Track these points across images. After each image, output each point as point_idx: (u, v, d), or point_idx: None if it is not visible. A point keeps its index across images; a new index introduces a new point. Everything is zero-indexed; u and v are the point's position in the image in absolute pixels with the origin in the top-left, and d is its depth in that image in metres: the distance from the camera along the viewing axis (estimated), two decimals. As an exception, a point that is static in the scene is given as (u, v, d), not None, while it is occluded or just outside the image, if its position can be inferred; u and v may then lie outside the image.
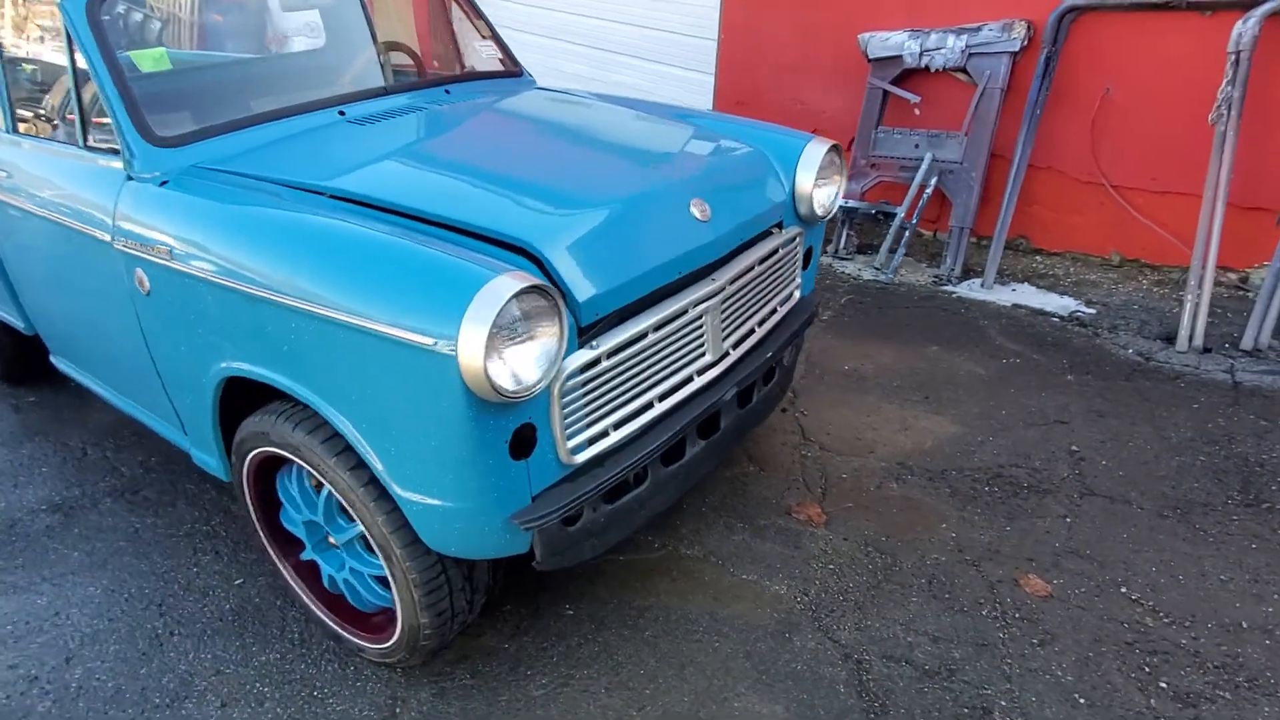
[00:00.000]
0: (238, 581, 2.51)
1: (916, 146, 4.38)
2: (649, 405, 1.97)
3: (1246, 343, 3.42)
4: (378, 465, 1.74)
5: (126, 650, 2.28)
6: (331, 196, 1.95)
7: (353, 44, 2.91)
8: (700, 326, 2.06)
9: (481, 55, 3.09)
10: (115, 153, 2.18)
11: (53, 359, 3.02)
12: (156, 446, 3.18)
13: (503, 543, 1.79)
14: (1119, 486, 2.69)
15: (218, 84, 2.59)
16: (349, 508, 1.87)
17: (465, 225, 1.80)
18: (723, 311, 2.12)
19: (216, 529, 2.74)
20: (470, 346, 1.50)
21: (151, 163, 2.12)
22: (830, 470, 2.83)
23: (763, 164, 2.37)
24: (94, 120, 2.27)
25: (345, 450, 1.83)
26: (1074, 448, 2.90)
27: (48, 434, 3.32)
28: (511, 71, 3.05)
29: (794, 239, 2.42)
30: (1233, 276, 3.84)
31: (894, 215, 4.37)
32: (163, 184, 2.06)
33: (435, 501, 1.71)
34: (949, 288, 4.16)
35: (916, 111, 4.50)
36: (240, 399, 2.12)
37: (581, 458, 1.83)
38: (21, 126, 2.57)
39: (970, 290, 4.12)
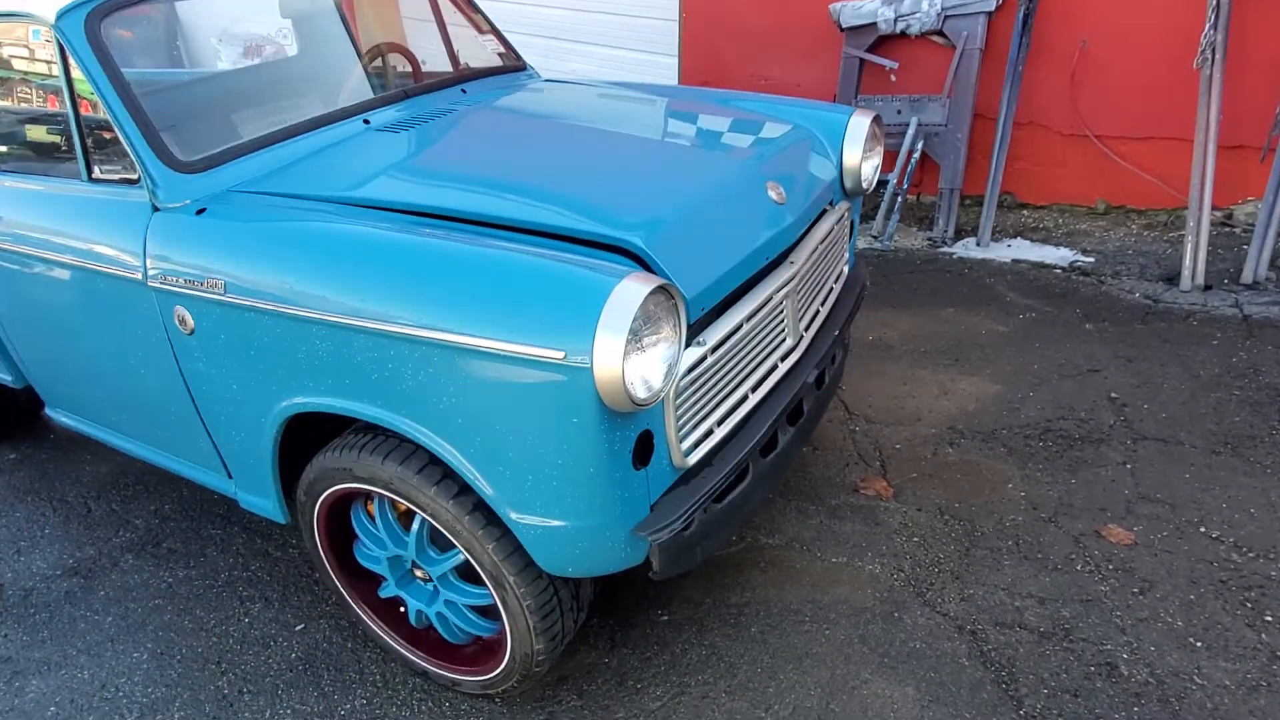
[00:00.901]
0: (298, 628, 2.36)
1: (899, 112, 4.39)
2: (744, 398, 1.91)
3: (1246, 276, 3.53)
4: (487, 491, 1.64)
5: (194, 716, 2.12)
6: (398, 210, 1.82)
7: (347, 51, 2.75)
8: (782, 312, 2.00)
9: (483, 51, 2.96)
10: (131, 183, 2.00)
11: (49, 412, 2.79)
12: (167, 494, 2.98)
13: (623, 557, 1.70)
14: (1166, 428, 2.75)
15: (220, 100, 2.40)
16: (452, 537, 1.76)
17: (555, 229, 1.70)
18: (798, 294, 2.07)
19: (258, 574, 2.58)
20: (606, 356, 1.41)
21: (178, 190, 1.94)
22: (883, 442, 2.82)
23: (812, 141, 2.32)
24: (95, 150, 2.08)
25: (445, 478, 1.72)
26: (1113, 394, 2.94)
27: (39, 493, 3.08)
28: (517, 65, 2.92)
29: (844, 214, 2.38)
30: (1218, 214, 3.96)
31: (886, 183, 4.38)
32: (200, 212, 1.89)
33: (557, 523, 1.62)
34: (946, 249, 4.19)
35: (893, 78, 4.51)
36: (294, 436, 1.99)
37: (693, 458, 1.76)
38: (3, 165, 2.35)
39: (967, 250, 4.16)
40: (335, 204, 1.87)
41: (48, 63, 2.15)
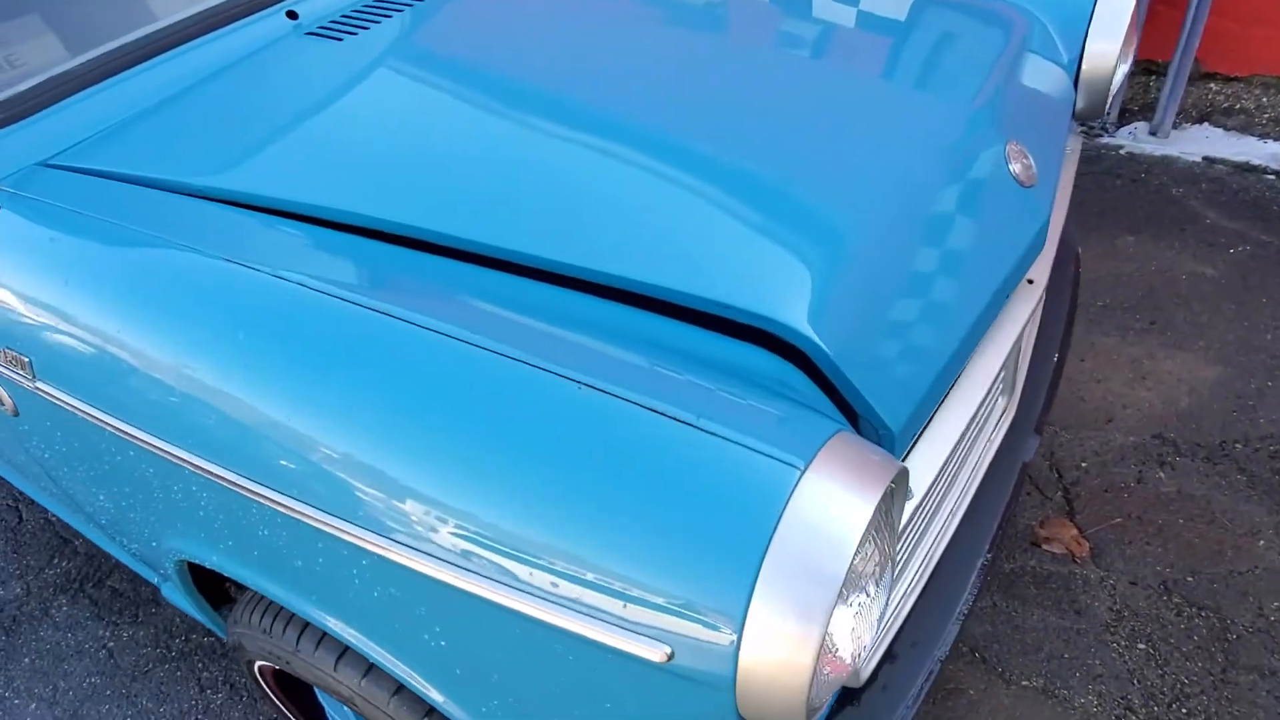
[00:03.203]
0: (271, 741, 1.75)
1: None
2: (938, 533, 1.13)
3: None
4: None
5: None
6: (370, 233, 0.98)
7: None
8: (1014, 358, 1.18)
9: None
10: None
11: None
12: (114, 503, 2.33)
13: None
14: None
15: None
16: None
17: (659, 292, 0.86)
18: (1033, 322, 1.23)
19: (220, 640, 1.94)
20: (770, 663, 0.63)
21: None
22: (1063, 458, 2.03)
23: (1042, 38, 1.38)
24: None
25: (430, 714, 0.99)
26: (1390, 386, 2.09)
27: (-37, 489, 2.45)
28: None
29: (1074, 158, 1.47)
30: None
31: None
32: (-11, 212, 1.07)
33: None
34: (1109, 140, 3.18)
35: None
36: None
37: (869, 668, 1.01)
38: None
39: (1139, 141, 3.15)
40: (257, 209, 1.03)
41: None
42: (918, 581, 1.07)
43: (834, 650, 0.68)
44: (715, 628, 0.63)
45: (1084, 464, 2.02)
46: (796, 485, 0.64)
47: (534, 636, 0.72)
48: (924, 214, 0.95)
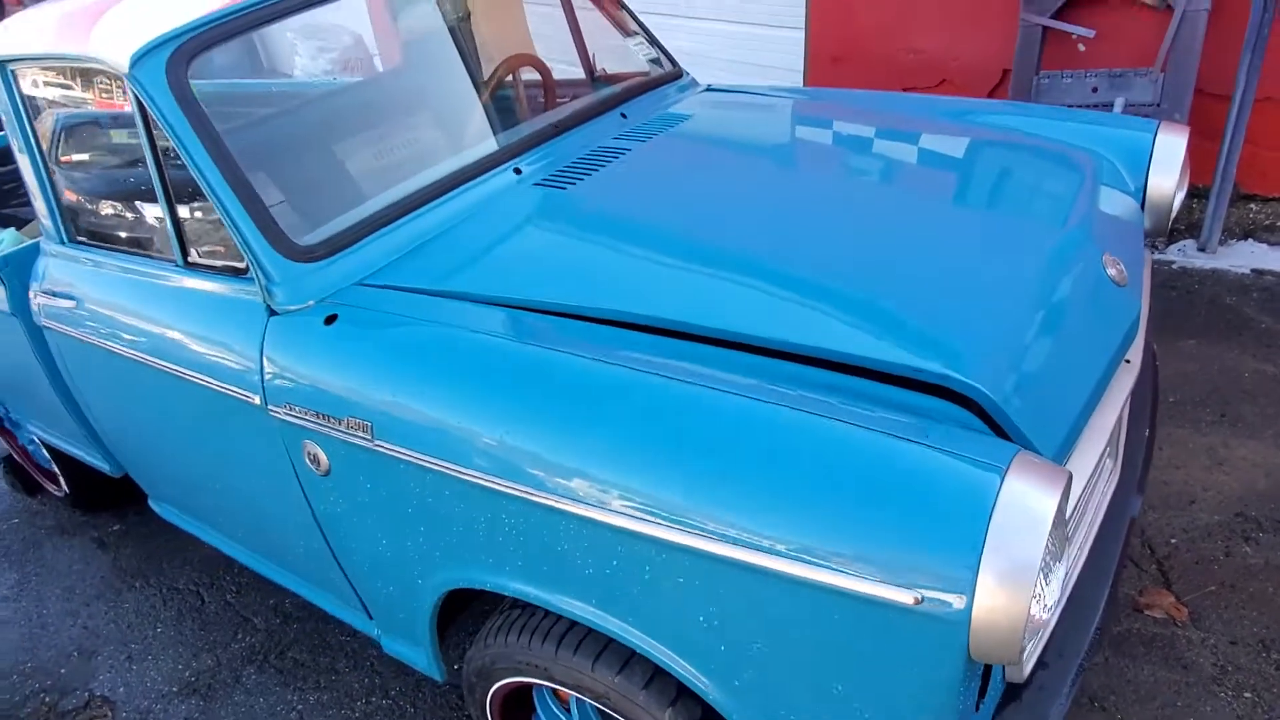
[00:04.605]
0: (455, 788, 1.95)
1: (1095, 90, 3.68)
2: (1076, 555, 1.37)
3: None
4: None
5: None
6: (600, 321, 1.32)
7: (462, 68, 2.26)
8: (1118, 425, 1.45)
9: (632, 57, 2.43)
10: (237, 273, 1.56)
11: (153, 505, 2.44)
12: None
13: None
14: None
15: (323, 140, 1.94)
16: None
17: (840, 357, 1.18)
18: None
19: (400, 703, 2.18)
20: (996, 598, 0.90)
21: (299, 287, 1.50)
22: (1153, 535, 2.23)
23: (1110, 172, 1.73)
24: (190, 227, 1.65)
25: (681, 696, 1.24)
26: None
27: (147, 577, 2.76)
28: (674, 74, 2.38)
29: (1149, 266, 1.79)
30: None
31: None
32: (330, 320, 1.44)
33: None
34: (1160, 256, 3.50)
35: (1081, 48, 3.79)
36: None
37: (1030, 665, 1.24)
38: (84, 237, 1.94)
39: (1188, 256, 3.47)
40: (510, 307, 1.39)
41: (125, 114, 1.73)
42: (1060, 600, 1.31)
43: (1039, 598, 0.94)
44: (956, 579, 0.90)
45: (1173, 540, 2.22)
46: (1002, 482, 0.92)
47: (801, 601, 0.99)
48: (1050, 303, 1.26)
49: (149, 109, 1.52)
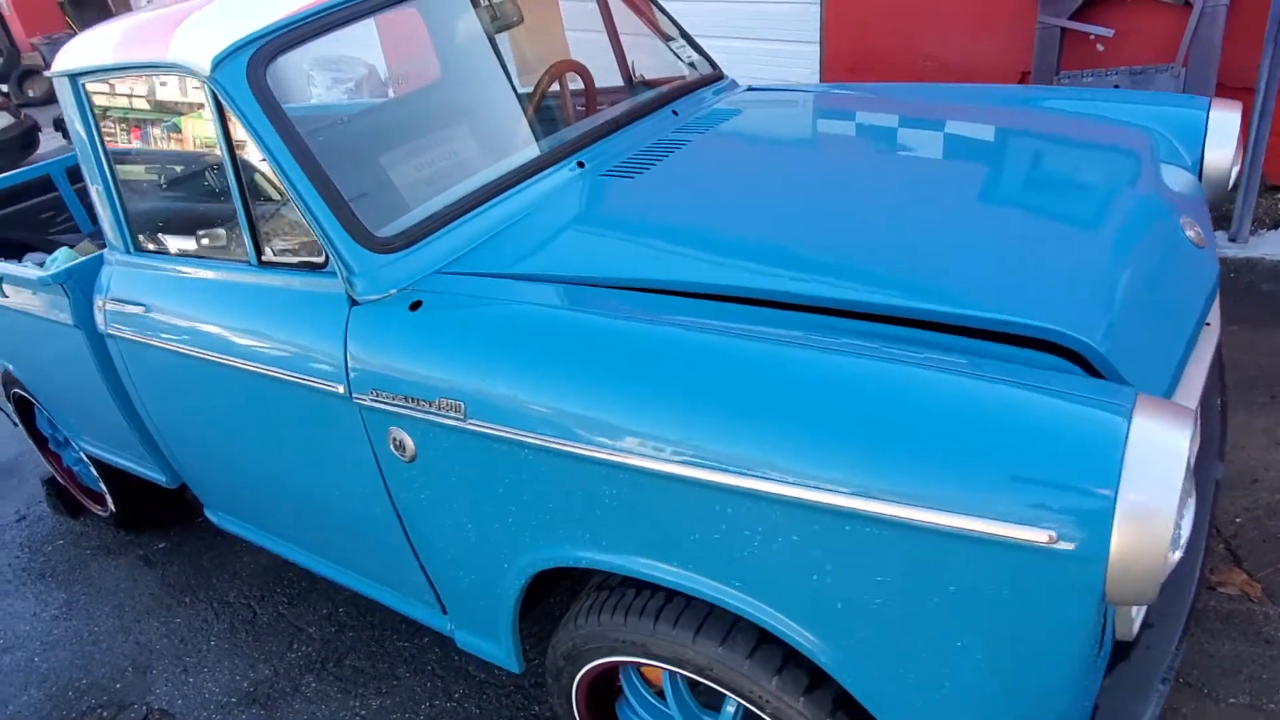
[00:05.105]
0: (529, 787, 1.93)
1: (1117, 88, 3.72)
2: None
3: None
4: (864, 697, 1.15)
5: None
6: (683, 294, 1.34)
7: (524, 69, 2.31)
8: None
9: (659, 60, 2.47)
10: (315, 268, 1.58)
11: (209, 515, 2.44)
12: (337, 592, 2.61)
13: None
14: None
15: (395, 144, 1.98)
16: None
17: (946, 317, 1.19)
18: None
19: (464, 705, 2.16)
20: (1137, 538, 0.90)
21: (380, 278, 1.52)
22: (1219, 514, 2.22)
23: (1167, 148, 1.76)
24: (264, 226, 1.67)
25: (787, 664, 1.24)
26: None
27: (197, 592, 2.75)
28: (716, 75, 2.42)
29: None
30: None
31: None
32: (415, 306, 1.46)
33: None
34: (1191, 248, 3.52)
35: (1100, 48, 3.84)
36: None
37: (1135, 630, 1.24)
38: (150, 245, 1.97)
39: (1220, 247, 3.48)
40: (588, 285, 1.40)
41: (199, 119, 1.76)
42: (1188, 541, 1.30)
43: (1177, 536, 0.94)
44: (1093, 513, 0.90)
45: (1238, 519, 2.21)
46: (1130, 421, 0.92)
47: (925, 550, 0.99)
48: (1139, 264, 1.28)
49: (229, 110, 1.56)
